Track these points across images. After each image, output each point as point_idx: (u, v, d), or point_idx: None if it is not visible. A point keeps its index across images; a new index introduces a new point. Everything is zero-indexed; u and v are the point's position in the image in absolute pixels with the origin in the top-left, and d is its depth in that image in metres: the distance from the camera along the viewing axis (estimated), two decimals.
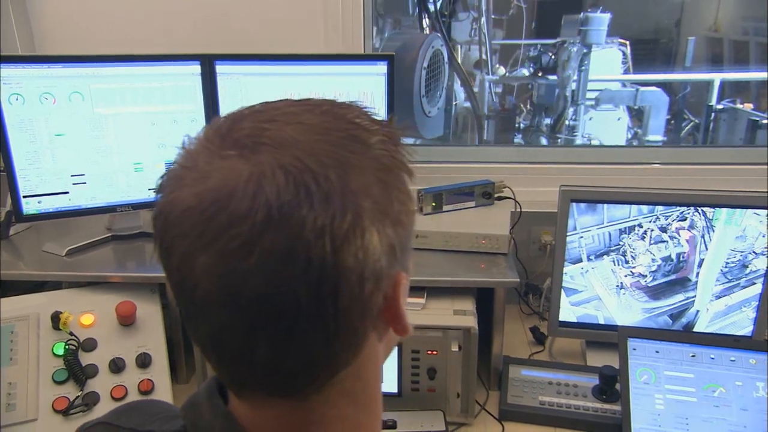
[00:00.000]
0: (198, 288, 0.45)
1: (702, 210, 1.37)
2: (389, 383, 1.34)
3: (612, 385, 1.33)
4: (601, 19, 3.40)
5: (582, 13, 3.43)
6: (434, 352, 1.31)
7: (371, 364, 0.54)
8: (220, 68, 1.53)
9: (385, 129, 0.52)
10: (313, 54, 1.55)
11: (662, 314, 1.46)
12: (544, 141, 3.54)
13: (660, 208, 1.38)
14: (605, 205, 1.40)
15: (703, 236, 1.38)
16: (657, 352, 1.30)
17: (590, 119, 3.65)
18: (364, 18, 1.73)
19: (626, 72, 3.87)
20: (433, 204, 1.59)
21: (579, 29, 3.43)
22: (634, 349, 1.30)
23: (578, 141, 3.47)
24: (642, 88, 3.69)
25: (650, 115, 3.73)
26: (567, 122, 3.49)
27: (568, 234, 1.43)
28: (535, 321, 1.71)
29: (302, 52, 1.57)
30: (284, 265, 0.43)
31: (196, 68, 1.51)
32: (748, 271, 1.39)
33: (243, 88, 1.56)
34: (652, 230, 1.40)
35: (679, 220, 1.38)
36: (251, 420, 0.52)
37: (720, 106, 3.54)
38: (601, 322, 1.49)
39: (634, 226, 1.40)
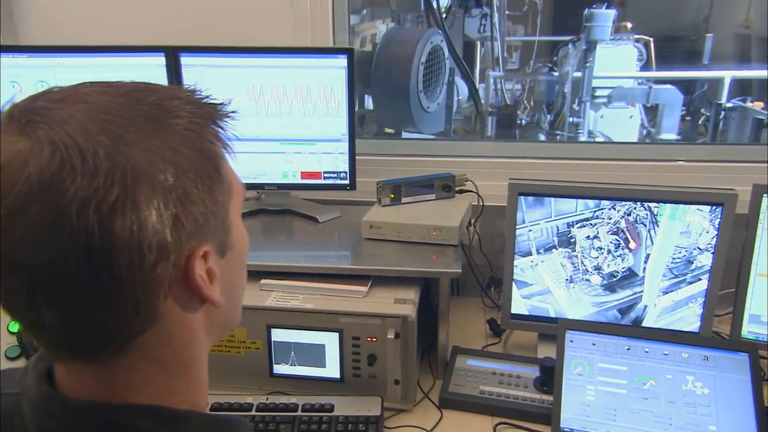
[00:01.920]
0: None
1: (647, 205, 1.37)
2: (332, 369, 1.37)
3: (552, 377, 1.34)
4: (606, 15, 3.34)
5: (587, 9, 3.39)
6: (373, 339, 1.33)
7: (183, 332, 0.56)
8: (185, 60, 1.57)
9: (199, 112, 0.55)
10: (275, 47, 1.58)
11: (611, 308, 1.46)
12: (542, 137, 3.52)
13: (606, 202, 1.39)
14: (552, 198, 1.41)
15: (649, 231, 1.38)
16: (593, 344, 1.31)
17: (602, 117, 3.61)
18: (334, 12, 1.75)
19: (643, 69, 3.80)
20: (392, 196, 1.61)
21: (584, 25, 3.39)
22: (572, 341, 1.32)
23: (582, 138, 3.44)
24: (656, 86, 3.63)
25: (663, 114, 3.67)
26: (570, 119, 3.46)
27: (517, 227, 1.45)
28: (495, 313, 1.72)
29: (272, 45, 1.60)
30: (50, 235, 0.46)
31: (161, 60, 1.56)
32: (693, 267, 1.39)
33: (208, 80, 1.60)
34: (599, 234, 1.40)
35: (625, 215, 1.38)
36: (66, 382, 0.55)
37: (729, 105, 3.47)
38: (552, 315, 1.50)
39: (581, 220, 1.41)
